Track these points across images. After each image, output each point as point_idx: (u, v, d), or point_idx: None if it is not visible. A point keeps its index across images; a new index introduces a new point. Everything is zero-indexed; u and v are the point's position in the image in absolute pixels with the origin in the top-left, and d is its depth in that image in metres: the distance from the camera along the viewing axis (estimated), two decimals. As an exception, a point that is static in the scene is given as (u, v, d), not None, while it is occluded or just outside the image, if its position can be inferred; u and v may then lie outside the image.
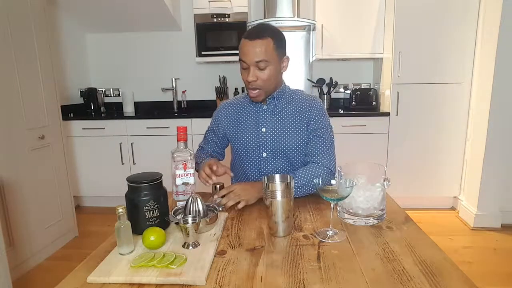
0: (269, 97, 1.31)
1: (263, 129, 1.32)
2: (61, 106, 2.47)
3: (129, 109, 3.51)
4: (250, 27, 3.00)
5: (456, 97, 2.74)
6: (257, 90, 1.24)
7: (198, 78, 3.50)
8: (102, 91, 3.56)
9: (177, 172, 1.06)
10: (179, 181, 1.06)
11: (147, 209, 0.92)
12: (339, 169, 0.99)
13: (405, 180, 2.88)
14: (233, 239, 0.93)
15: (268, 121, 1.32)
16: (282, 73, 1.30)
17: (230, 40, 3.07)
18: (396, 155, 2.86)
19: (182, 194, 1.08)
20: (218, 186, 1.18)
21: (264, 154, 1.32)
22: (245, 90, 1.33)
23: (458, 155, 2.82)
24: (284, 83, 1.36)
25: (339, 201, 0.93)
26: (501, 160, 2.51)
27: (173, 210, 1.01)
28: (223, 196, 1.13)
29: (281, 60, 1.25)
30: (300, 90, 1.39)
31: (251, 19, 3.16)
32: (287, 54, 1.28)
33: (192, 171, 1.07)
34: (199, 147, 1.49)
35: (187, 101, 3.54)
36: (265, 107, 1.33)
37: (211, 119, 1.48)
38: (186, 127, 1.07)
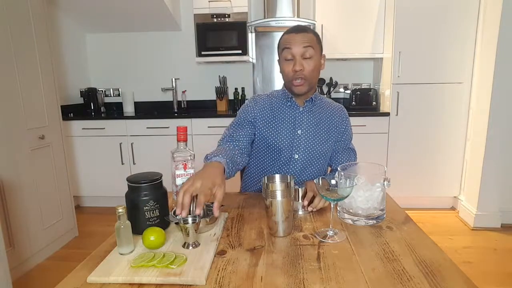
0: (307, 99, 1.31)
1: (299, 131, 1.31)
2: (61, 106, 2.47)
3: (129, 109, 3.51)
4: (248, 30, 3.00)
5: (456, 97, 2.74)
6: (302, 80, 1.23)
7: (198, 78, 3.50)
8: (102, 91, 3.56)
9: (177, 172, 1.06)
10: (179, 181, 1.06)
11: (147, 209, 0.92)
12: (339, 169, 0.99)
13: (405, 180, 2.88)
14: (233, 239, 0.93)
15: (304, 124, 1.32)
16: (320, 71, 1.30)
17: (230, 40, 3.07)
18: (396, 155, 2.86)
19: None
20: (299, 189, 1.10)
21: (296, 156, 1.31)
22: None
23: (458, 155, 2.82)
24: (317, 89, 1.37)
25: (339, 201, 0.93)
26: (501, 160, 2.51)
27: (173, 210, 1.01)
28: (310, 201, 1.07)
29: (321, 56, 1.27)
30: (324, 96, 1.44)
31: (251, 19, 3.16)
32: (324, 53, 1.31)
33: (192, 171, 1.07)
34: (224, 138, 1.30)
35: (187, 101, 3.54)
36: (301, 109, 1.32)
37: (239, 112, 1.36)
38: (186, 127, 1.07)
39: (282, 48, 1.23)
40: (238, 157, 1.22)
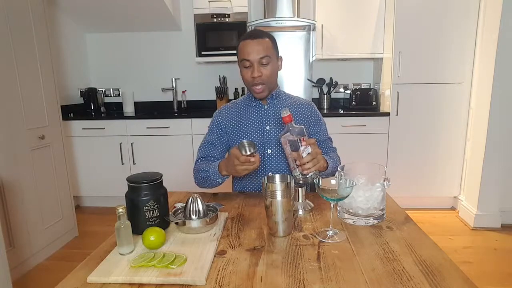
0: (268, 97, 1.39)
1: (267, 127, 1.38)
2: (61, 106, 2.47)
3: (129, 109, 3.51)
4: (248, 30, 3.01)
5: (456, 97, 2.74)
6: (262, 85, 1.31)
7: (198, 78, 3.50)
8: (102, 91, 3.56)
9: (301, 148, 1.05)
10: (305, 154, 1.06)
11: (147, 209, 0.92)
12: (339, 169, 0.99)
13: (405, 180, 2.88)
14: (233, 239, 0.93)
15: (271, 120, 1.38)
16: (278, 72, 1.38)
17: (230, 40, 3.06)
18: (396, 155, 2.86)
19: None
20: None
21: (269, 151, 1.37)
22: (245, 91, 1.37)
23: (458, 155, 2.82)
24: (279, 86, 1.45)
25: (339, 201, 0.93)
26: (501, 160, 2.51)
27: (173, 210, 1.01)
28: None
29: (277, 59, 1.35)
30: (293, 95, 1.50)
31: (251, 19, 3.15)
32: (280, 54, 1.39)
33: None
34: (199, 159, 1.40)
35: (187, 101, 3.54)
36: (266, 107, 1.40)
37: (210, 127, 1.44)
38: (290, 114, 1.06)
39: (240, 58, 1.30)
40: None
